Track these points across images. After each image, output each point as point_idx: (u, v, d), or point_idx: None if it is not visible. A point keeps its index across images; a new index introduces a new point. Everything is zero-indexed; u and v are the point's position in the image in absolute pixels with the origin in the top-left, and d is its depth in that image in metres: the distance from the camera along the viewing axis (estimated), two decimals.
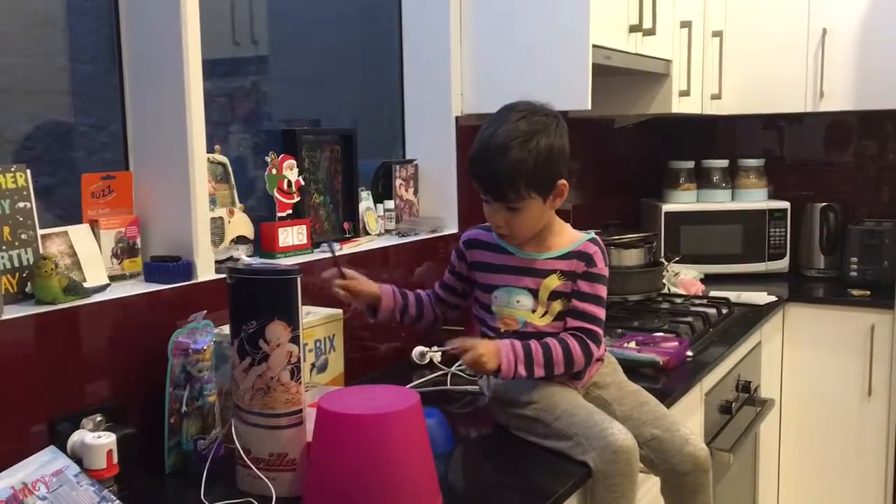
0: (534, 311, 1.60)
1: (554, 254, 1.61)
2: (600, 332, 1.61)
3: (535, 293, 1.60)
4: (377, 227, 2.25)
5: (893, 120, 3.15)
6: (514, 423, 1.62)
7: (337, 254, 1.70)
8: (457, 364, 2.04)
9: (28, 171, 1.48)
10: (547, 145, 1.52)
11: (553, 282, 1.59)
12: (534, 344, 1.55)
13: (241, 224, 1.87)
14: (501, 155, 1.50)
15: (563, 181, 1.57)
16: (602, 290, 1.61)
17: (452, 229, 2.38)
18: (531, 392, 1.58)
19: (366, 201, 2.24)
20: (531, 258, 1.61)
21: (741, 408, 2.47)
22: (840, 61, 3.03)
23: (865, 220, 3.21)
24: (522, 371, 1.53)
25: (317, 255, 1.96)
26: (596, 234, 1.66)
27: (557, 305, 1.60)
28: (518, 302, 1.61)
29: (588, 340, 1.57)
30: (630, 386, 1.69)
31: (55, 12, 1.71)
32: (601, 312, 1.61)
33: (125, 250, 1.65)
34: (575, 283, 1.59)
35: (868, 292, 2.95)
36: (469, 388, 1.92)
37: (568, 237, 1.64)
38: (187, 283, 1.63)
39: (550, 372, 1.55)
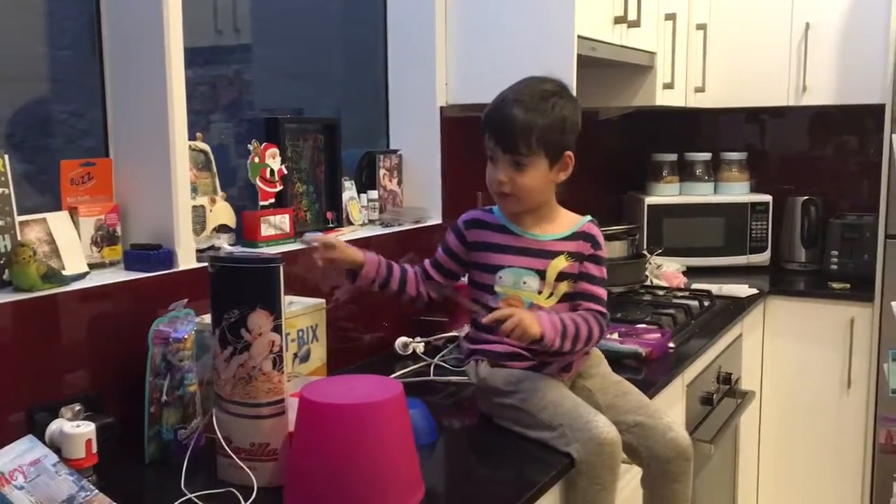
0: (540, 293, 1.60)
1: (559, 235, 1.62)
2: (608, 314, 1.62)
3: (541, 274, 1.60)
4: (360, 217, 2.24)
5: (874, 114, 3.15)
6: (498, 413, 1.62)
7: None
8: (440, 355, 2.04)
9: (7, 157, 1.46)
10: (561, 112, 1.56)
11: (561, 263, 1.60)
12: (567, 318, 1.54)
13: (222, 212, 1.86)
14: (517, 106, 1.54)
15: (571, 154, 1.59)
16: (605, 273, 1.64)
17: (436, 220, 2.37)
18: (517, 382, 1.58)
19: (349, 191, 2.22)
20: (535, 238, 1.62)
21: (722, 399, 2.48)
22: (822, 56, 3.04)
23: (846, 214, 3.24)
24: (558, 342, 1.50)
25: (300, 245, 1.94)
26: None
27: (564, 287, 1.60)
28: (525, 283, 1.61)
29: (603, 322, 1.59)
30: (613, 377, 1.70)
31: None
32: (605, 294, 1.63)
33: (105, 238, 1.63)
34: (583, 265, 1.61)
35: (848, 285, 2.97)
36: (452, 378, 1.92)
37: (568, 219, 1.66)
38: (168, 271, 1.62)
39: (574, 347, 1.53)
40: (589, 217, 1.67)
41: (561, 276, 1.60)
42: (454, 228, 1.69)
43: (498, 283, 1.62)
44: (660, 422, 1.57)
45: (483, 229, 1.65)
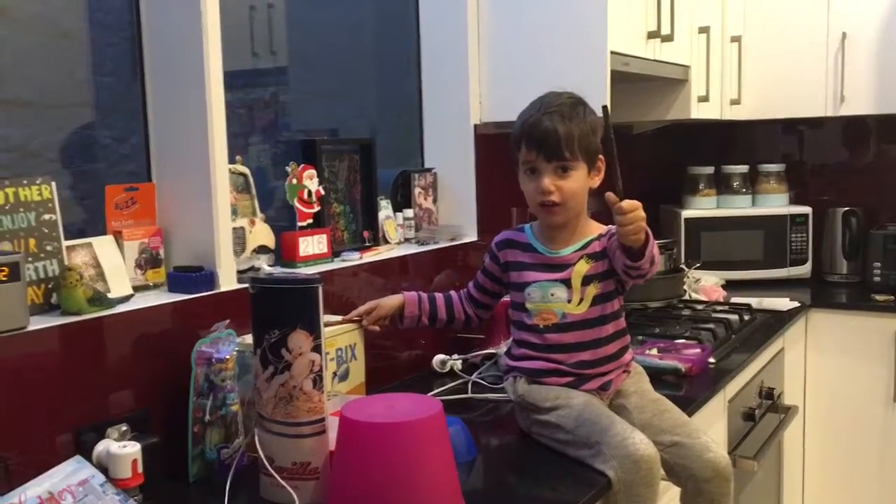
0: (569, 301, 1.61)
1: (577, 245, 1.64)
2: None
3: (567, 283, 1.61)
4: (397, 235, 2.26)
5: None
6: (536, 430, 1.62)
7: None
8: (477, 372, 2.04)
9: (53, 184, 1.50)
10: (591, 118, 1.60)
11: (583, 266, 1.61)
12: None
13: (262, 234, 1.88)
14: (555, 116, 1.57)
15: (602, 157, 1.62)
16: None
17: (471, 237, 2.38)
18: (555, 399, 1.58)
19: (385, 210, 2.24)
20: (558, 255, 1.64)
21: (764, 415, 2.44)
22: (860, 65, 3.01)
23: (888, 225, 3.18)
24: (648, 253, 1.49)
25: (338, 264, 1.97)
26: None
27: (592, 289, 1.61)
28: (553, 295, 1.62)
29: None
30: (652, 395, 1.68)
31: (77, 26, 1.72)
32: None
33: (148, 261, 1.66)
34: (609, 245, 1.59)
35: (892, 297, 2.91)
36: (490, 395, 1.92)
37: (592, 228, 1.67)
38: (210, 292, 1.64)
39: (647, 266, 1.52)
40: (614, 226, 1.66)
41: (587, 280, 1.61)
42: (489, 250, 1.75)
43: (528, 300, 1.64)
44: (697, 441, 1.54)
45: (514, 249, 1.70)
